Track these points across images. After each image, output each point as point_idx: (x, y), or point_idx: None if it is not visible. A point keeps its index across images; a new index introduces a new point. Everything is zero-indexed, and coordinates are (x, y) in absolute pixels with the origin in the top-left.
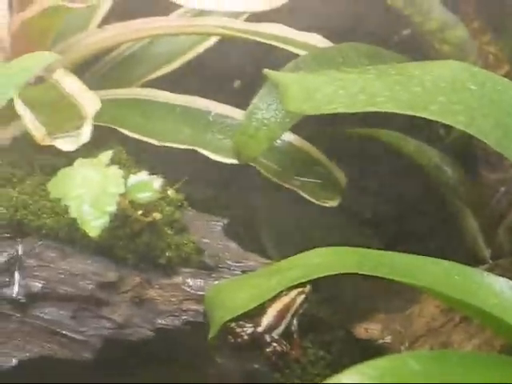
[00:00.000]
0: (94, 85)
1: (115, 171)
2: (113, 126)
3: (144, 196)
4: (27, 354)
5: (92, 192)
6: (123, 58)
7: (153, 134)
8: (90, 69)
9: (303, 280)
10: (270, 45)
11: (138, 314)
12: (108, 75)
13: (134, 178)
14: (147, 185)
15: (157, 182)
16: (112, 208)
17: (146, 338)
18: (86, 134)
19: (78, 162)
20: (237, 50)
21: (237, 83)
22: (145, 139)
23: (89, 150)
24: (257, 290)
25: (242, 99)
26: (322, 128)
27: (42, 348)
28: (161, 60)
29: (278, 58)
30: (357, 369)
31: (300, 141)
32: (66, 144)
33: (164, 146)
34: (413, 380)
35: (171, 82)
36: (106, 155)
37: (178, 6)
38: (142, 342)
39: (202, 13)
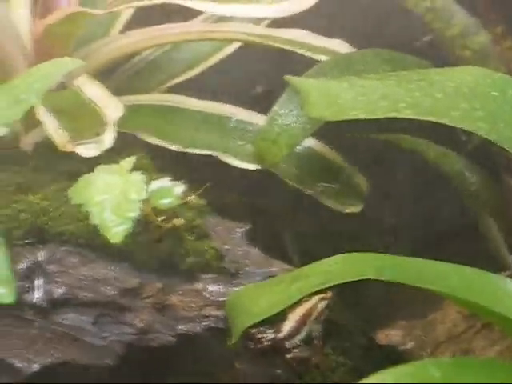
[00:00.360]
0: (116, 91)
1: (137, 177)
2: (135, 132)
3: (165, 202)
4: (49, 360)
5: (114, 198)
6: (145, 63)
7: (175, 139)
8: (112, 75)
9: (323, 287)
10: (292, 50)
11: (160, 319)
12: (130, 81)
13: (155, 184)
14: (169, 191)
15: (178, 188)
16: (134, 214)
17: (168, 343)
18: (108, 140)
19: (100, 168)
20: (258, 55)
21: (258, 89)
22: (167, 145)
23: (110, 156)
24: (278, 297)
25: (263, 105)
26: (343, 133)
27: (63, 353)
28: (183, 66)
29: (299, 63)
30: (377, 375)
31: (321, 146)
32: (88, 150)
33: (186, 152)
34: None
35: (193, 88)
36: (129, 161)
37: (200, 12)
38: (163, 347)
39: (223, 18)
